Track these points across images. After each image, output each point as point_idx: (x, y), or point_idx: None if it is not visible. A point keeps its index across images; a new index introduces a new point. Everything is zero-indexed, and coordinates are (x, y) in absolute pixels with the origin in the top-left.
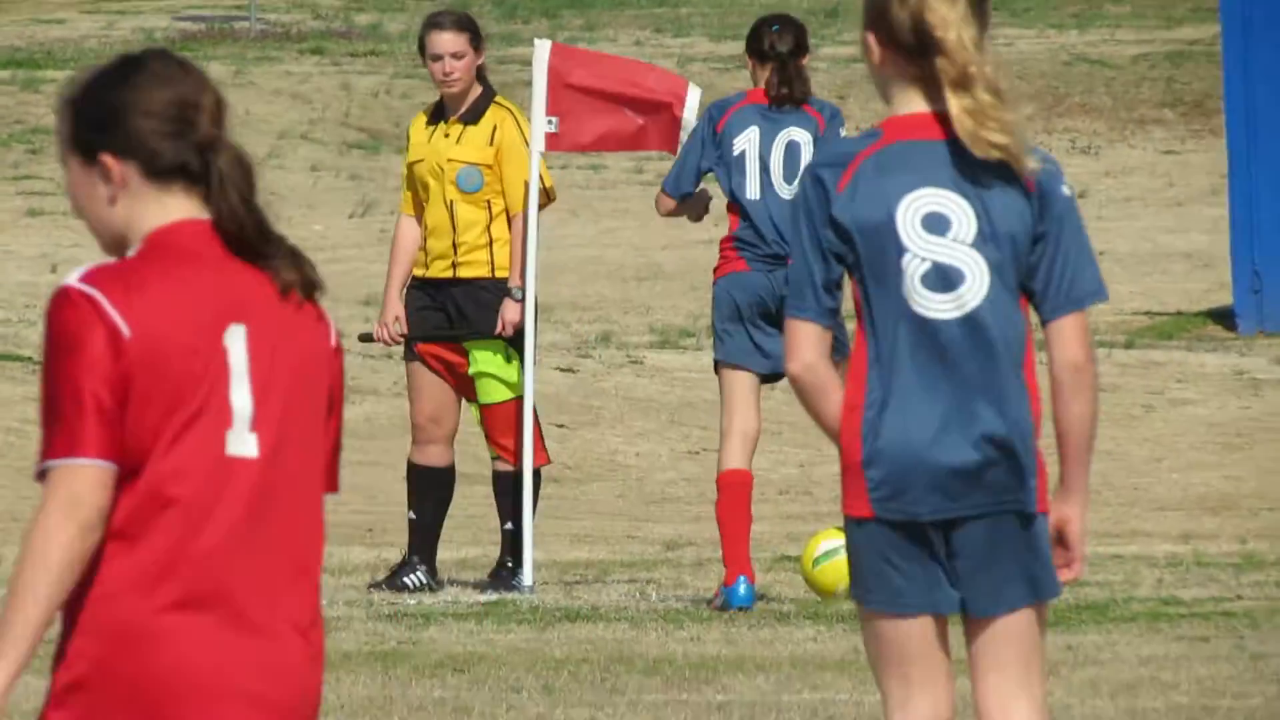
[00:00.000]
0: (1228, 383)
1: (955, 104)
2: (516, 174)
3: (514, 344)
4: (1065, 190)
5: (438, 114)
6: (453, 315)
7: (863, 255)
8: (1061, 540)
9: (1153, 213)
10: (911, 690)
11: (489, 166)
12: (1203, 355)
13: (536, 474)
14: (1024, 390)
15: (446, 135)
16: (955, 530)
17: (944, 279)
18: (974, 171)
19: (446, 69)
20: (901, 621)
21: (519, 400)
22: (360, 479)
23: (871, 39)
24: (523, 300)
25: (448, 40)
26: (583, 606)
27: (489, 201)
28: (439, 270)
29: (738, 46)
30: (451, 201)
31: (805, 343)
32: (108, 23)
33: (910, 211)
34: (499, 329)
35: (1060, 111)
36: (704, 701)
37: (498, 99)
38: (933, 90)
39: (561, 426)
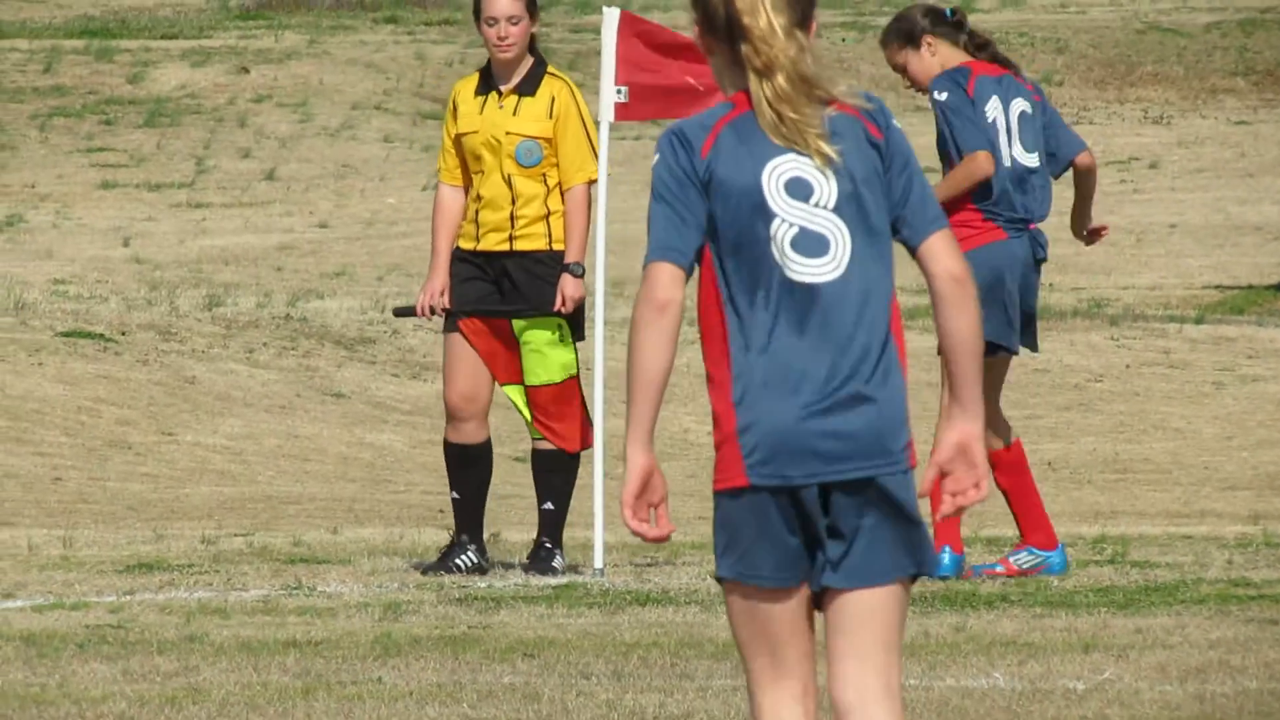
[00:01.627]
0: None
1: (757, 90)
2: (574, 147)
3: (569, 323)
4: (895, 124)
5: (487, 82)
6: (505, 289)
7: (728, 220)
8: (965, 458)
9: (1224, 184)
10: (778, 666)
11: (547, 140)
12: (1273, 330)
13: (577, 456)
14: (895, 352)
15: (501, 107)
16: (832, 496)
17: (812, 243)
18: (831, 124)
19: (502, 33)
20: (774, 595)
21: (569, 381)
22: (431, 459)
23: (696, 24)
24: (582, 275)
25: (504, 4)
26: (653, 590)
27: (545, 175)
28: (494, 243)
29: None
30: (510, 175)
31: (672, 280)
32: None
33: (774, 178)
34: (558, 304)
35: (1132, 81)
36: None
37: (550, 69)
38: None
39: None
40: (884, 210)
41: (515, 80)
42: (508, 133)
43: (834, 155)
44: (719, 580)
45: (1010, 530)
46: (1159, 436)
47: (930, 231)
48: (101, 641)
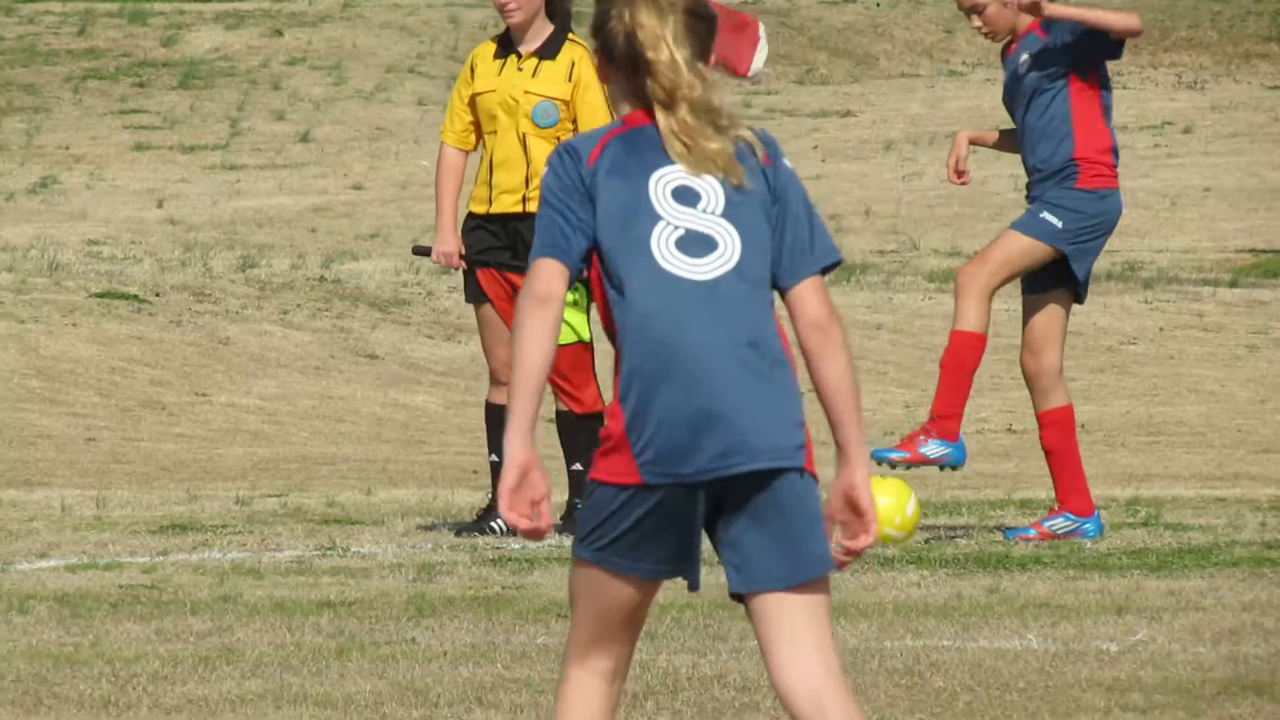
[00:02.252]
0: None
1: (663, 122)
2: (592, 112)
3: (585, 286)
4: (786, 163)
5: (506, 46)
6: (519, 251)
7: (614, 226)
8: (852, 508)
9: (1259, 148)
10: (601, 644)
11: (565, 102)
12: None
13: (595, 417)
14: (785, 352)
15: (520, 69)
16: (723, 491)
17: (698, 244)
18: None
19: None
20: (626, 582)
21: (584, 344)
22: (465, 420)
23: (596, 52)
24: None
25: None
26: None
27: (560, 138)
28: (507, 205)
29: None
30: (525, 135)
31: (555, 274)
32: None
33: (660, 185)
34: None
35: (1166, 46)
36: None
37: (571, 36)
38: (649, 103)
39: None
40: (763, 225)
41: (535, 44)
42: (526, 92)
43: (745, 180)
44: (575, 556)
45: (1046, 492)
46: (1192, 399)
47: (804, 275)
48: (135, 602)
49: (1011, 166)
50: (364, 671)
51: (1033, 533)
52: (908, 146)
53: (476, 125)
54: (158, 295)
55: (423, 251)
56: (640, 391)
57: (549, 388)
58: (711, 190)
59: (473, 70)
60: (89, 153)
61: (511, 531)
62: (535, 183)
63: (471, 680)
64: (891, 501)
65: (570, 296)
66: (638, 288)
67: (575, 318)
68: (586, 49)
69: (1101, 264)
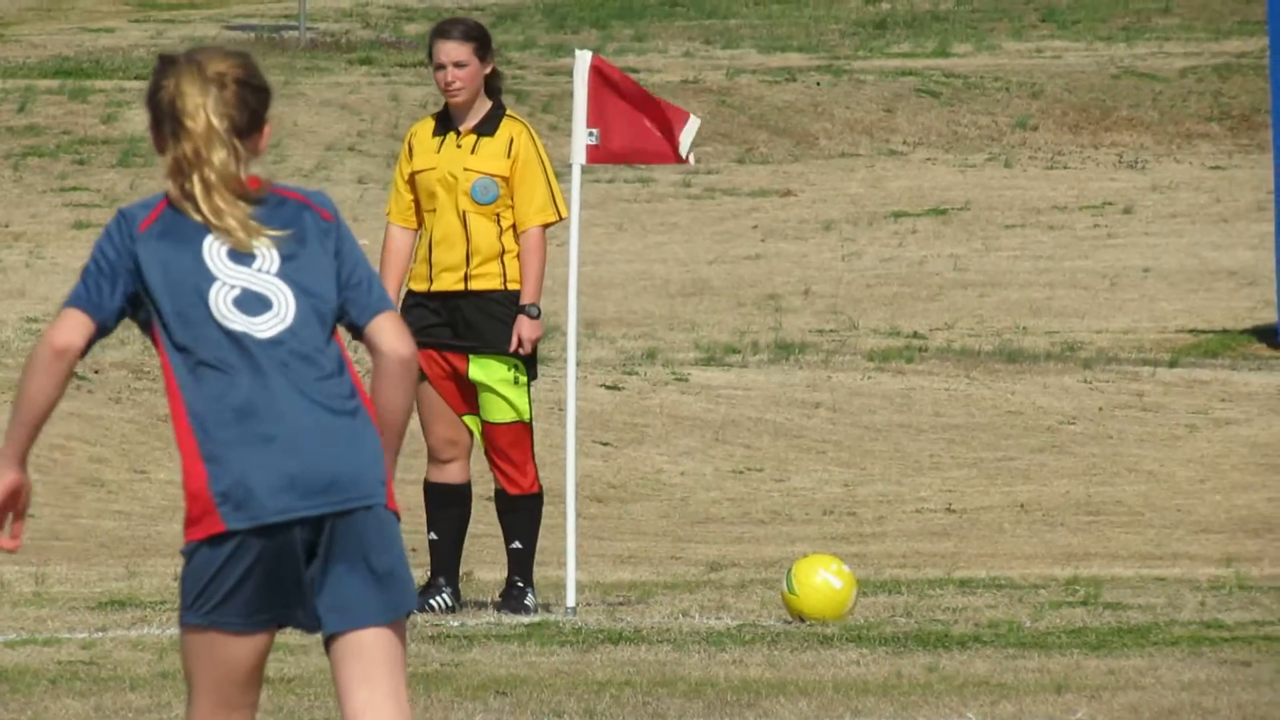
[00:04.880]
0: (1272, 402)
1: (191, 186)
2: (530, 189)
3: (525, 365)
4: (343, 220)
5: (445, 123)
6: (460, 329)
7: (170, 289)
8: None
9: (1199, 229)
10: (225, 709)
11: (504, 178)
12: (1247, 374)
13: (539, 498)
14: (359, 395)
15: (459, 146)
16: (316, 534)
17: (255, 303)
18: (274, 209)
19: (449, 78)
20: (242, 640)
21: (523, 424)
22: (404, 498)
23: (150, 122)
24: (538, 317)
25: (451, 49)
26: (625, 628)
27: (499, 214)
28: (449, 283)
29: (786, 58)
30: (465, 212)
31: (79, 327)
32: (156, 31)
33: (214, 247)
34: (513, 345)
35: (1107, 125)
36: None
37: (509, 113)
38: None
39: (606, 445)
40: (327, 279)
41: (473, 121)
42: (465, 169)
43: (268, 241)
44: (185, 625)
45: (985, 571)
46: (1132, 479)
47: (378, 312)
48: (74, 678)
49: (951, 246)
50: None
51: None
52: (848, 226)
53: (417, 203)
54: (96, 373)
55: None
56: (216, 446)
57: (488, 466)
58: (265, 250)
59: (410, 149)
60: (29, 230)
61: (449, 608)
62: (476, 260)
63: None
64: (842, 587)
65: (509, 375)
66: (199, 347)
67: (516, 396)
68: (526, 125)
69: (1040, 344)
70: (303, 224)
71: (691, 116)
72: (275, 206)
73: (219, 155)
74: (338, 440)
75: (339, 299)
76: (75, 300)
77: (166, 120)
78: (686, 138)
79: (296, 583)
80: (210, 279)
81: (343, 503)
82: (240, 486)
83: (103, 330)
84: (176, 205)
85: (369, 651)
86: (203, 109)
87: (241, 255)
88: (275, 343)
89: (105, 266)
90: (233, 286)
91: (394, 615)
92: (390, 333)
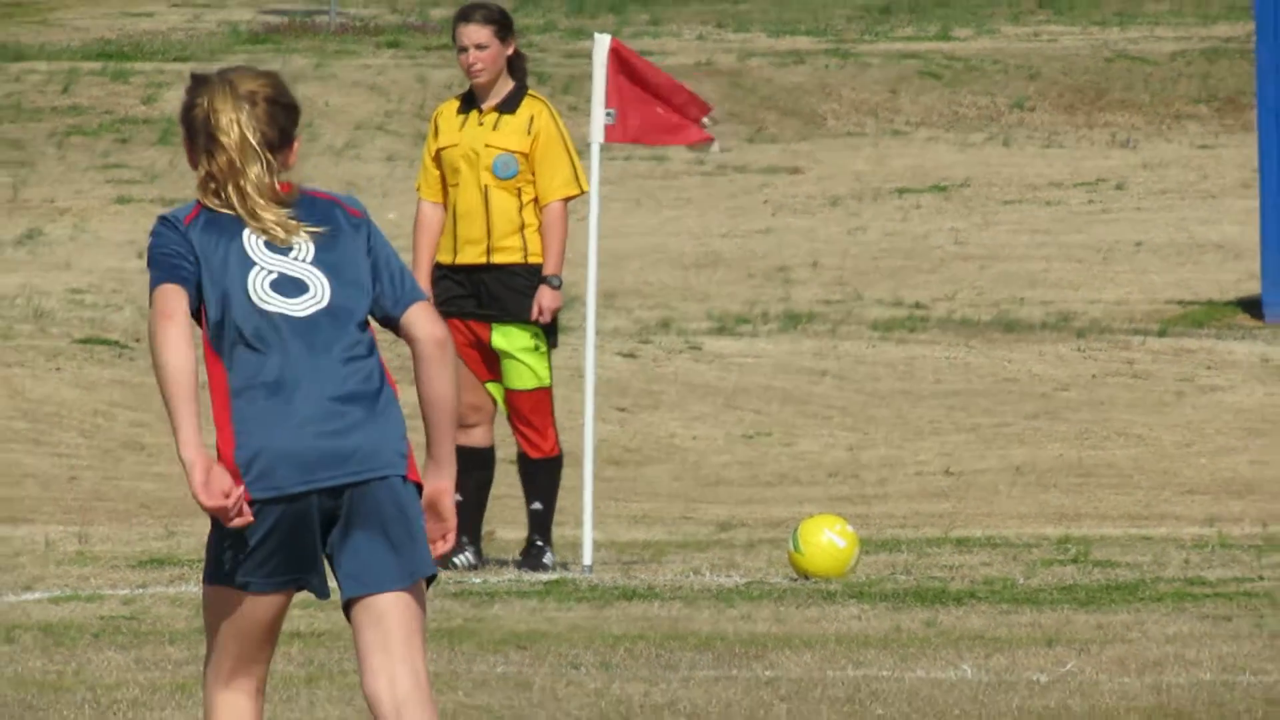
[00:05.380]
0: (1255, 370)
1: (230, 195)
2: (552, 165)
3: (545, 334)
4: (370, 217)
5: (469, 103)
6: (484, 300)
7: (211, 274)
8: (434, 512)
9: (1187, 205)
10: (243, 664)
11: (524, 154)
12: (1232, 343)
13: (559, 461)
14: (383, 372)
15: (481, 123)
16: (335, 503)
17: (291, 286)
18: (308, 209)
19: (471, 59)
20: (260, 599)
21: (544, 390)
22: None
23: (183, 136)
24: (559, 288)
25: (472, 32)
26: (639, 585)
27: (520, 189)
28: (471, 256)
29: (795, 42)
30: (486, 187)
31: (177, 295)
32: (194, 15)
33: (253, 238)
34: (535, 314)
35: (1101, 106)
36: (753, 677)
37: (531, 92)
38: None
39: (622, 410)
40: (361, 270)
41: (496, 100)
42: (486, 145)
43: (305, 235)
44: (208, 585)
45: (981, 530)
46: (1121, 443)
47: (411, 302)
48: (116, 632)
49: (952, 220)
50: (332, 699)
51: None
52: (853, 202)
53: (443, 179)
54: (138, 341)
55: None
56: (248, 417)
57: (511, 431)
58: (302, 243)
59: (437, 127)
60: (73, 205)
61: (472, 566)
62: (497, 233)
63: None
64: (846, 546)
65: (531, 343)
66: (239, 324)
67: (537, 363)
68: (546, 104)
69: (1036, 314)
70: (335, 220)
71: (712, 110)
72: (308, 207)
73: (254, 168)
74: (360, 416)
75: (373, 290)
76: (160, 279)
77: (200, 135)
78: (710, 123)
79: (313, 549)
80: (250, 264)
81: (360, 474)
82: (264, 457)
83: (194, 298)
84: (213, 210)
85: (386, 616)
86: (236, 124)
87: (278, 246)
88: (311, 323)
89: (171, 250)
90: (270, 271)
91: (409, 581)
92: (425, 319)
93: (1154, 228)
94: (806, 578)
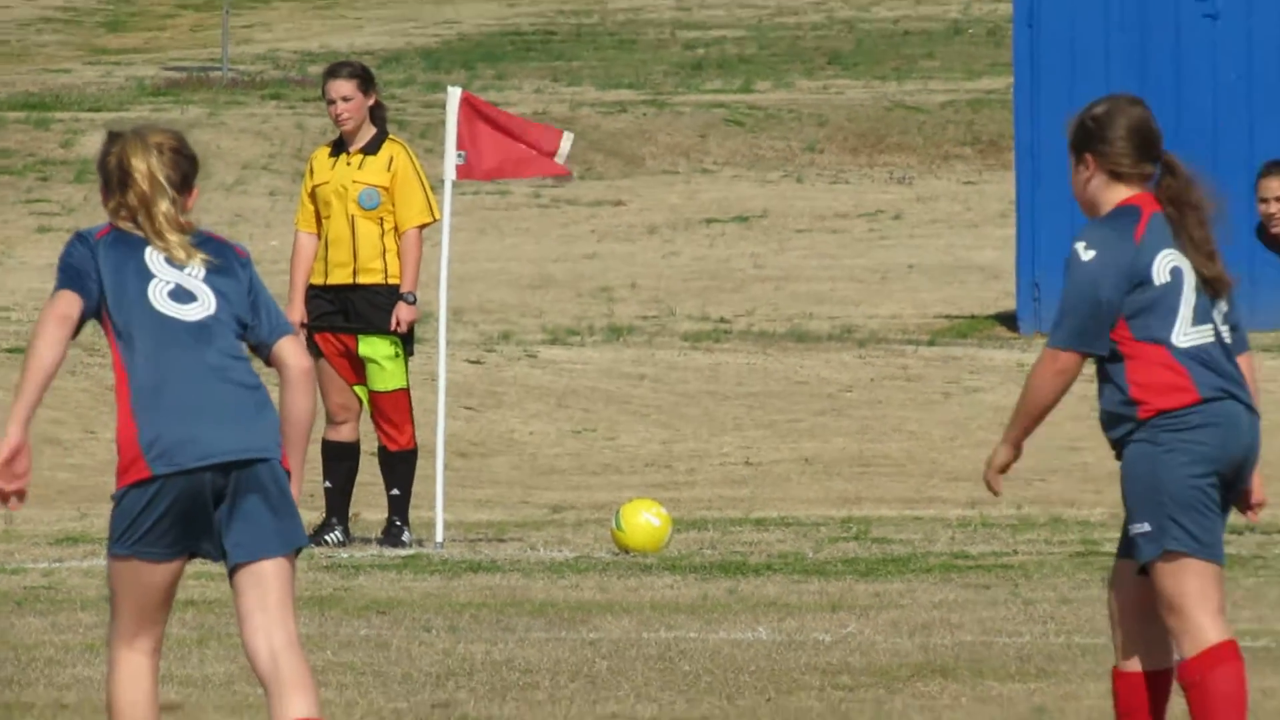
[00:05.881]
0: (1011, 374)
1: (142, 221)
2: (408, 197)
3: (403, 342)
4: (250, 263)
5: (338, 147)
6: (351, 315)
7: (117, 283)
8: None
9: (954, 232)
10: (143, 626)
11: (385, 188)
12: (991, 351)
13: (414, 453)
14: (255, 375)
15: (349, 163)
16: (224, 481)
17: (184, 295)
18: (203, 243)
19: (339, 110)
20: (159, 566)
21: (402, 392)
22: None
23: (101, 184)
24: (414, 303)
25: (339, 86)
26: (483, 560)
27: (382, 219)
28: (340, 277)
29: (619, 94)
30: (353, 217)
31: (72, 302)
32: (106, 71)
33: (154, 255)
34: (394, 326)
35: (881, 148)
36: (580, 639)
37: (391, 136)
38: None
39: (469, 409)
40: (242, 298)
41: (361, 143)
42: (353, 181)
43: (199, 259)
44: (112, 556)
45: (776, 512)
46: (897, 437)
47: (283, 334)
48: (36, 600)
49: (752, 247)
50: (220, 657)
51: None
52: (668, 230)
53: (318, 213)
54: None
55: None
56: (147, 407)
57: (374, 427)
58: (195, 265)
59: (312, 168)
60: (1, 235)
61: (341, 543)
62: (362, 257)
63: (310, 666)
64: (661, 525)
65: (391, 351)
66: (138, 326)
67: (396, 368)
68: (404, 145)
69: (823, 326)
70: (226, 256)
71: (565, 132)
72: (204, 242)
73: (163, 203)
74: (244, 406)
75: (248, 318)
76: (63, 284)
77: (115, 177)
78: (564, 148)
79: (206, 520)
80: (150, 275)
81: (247, 453)
82: (164, 440)
83: (87, 310)
84: (122, 230)
85: (266, 580)
86: (147, 164)
87: (176, 263)
88: (200, 326)
89: (78, 262)
90: (168, 282)
91: (288, 549)
92: (293, 350)
93: (925, 252)
94: (627, 552)
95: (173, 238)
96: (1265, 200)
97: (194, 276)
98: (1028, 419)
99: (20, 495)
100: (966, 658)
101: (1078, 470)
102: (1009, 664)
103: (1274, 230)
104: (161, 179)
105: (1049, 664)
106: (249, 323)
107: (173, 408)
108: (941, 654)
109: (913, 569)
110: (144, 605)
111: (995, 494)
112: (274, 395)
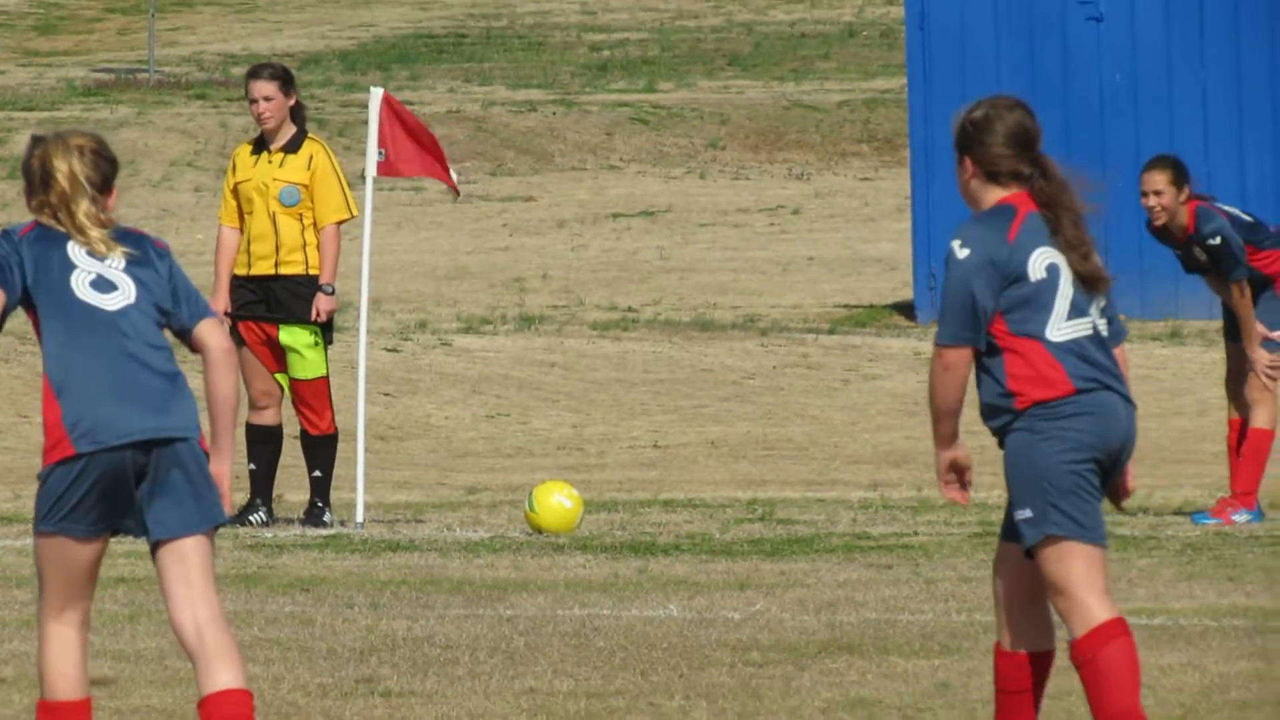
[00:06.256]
0: (909, 361)
1: (63, 219)
2: (326, 194)
3: (323, 331)
4: (169, 254)
5: (260, 145)
6: (273, 304)
7: (43, 275)
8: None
9: (852, 226)
10: (70, 600)
11: (305, 186)
12: (889, 340)
13: (334, 438)
14: (174, 361)
15: (270, 161)
16: (145, 459)
17: (105, 285)
18: (123, 237)
19: (261, 109)
20: (83, 544)
21: (322, 379)
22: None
23: (24, 186)
24: (333, 294)
25: (261, 86)
26: (403, 539)
27: (302, 214)
28: (263, 269)
29: (529, 94)
30: (274, 213)
31: None
32: (38, 73)
33: (76, 248)
34: (314, 315)
35: (780, 146)
36: (497, 615)
37: (310, 135)
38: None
39: (387, 395)
40: (163, 288)
41: (281, 142)
42: (274, 179)
43: (119, 252)
44: (39, 533)
45: (682, 494)
46: (799, 422)
47: (203, 317)
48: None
49: (658, 240)
50: (150, 633)
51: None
52: (577, 224)
53: (239, 208)
54: None
55: None
56: (71, 390)
57: (293, 411)
58: (115, 257)
59: (234, 165)
60: None
61: (265, 523)
62: (284, 250)
63: (235, 639)
64: (572, 506)
65: (311, 339)
66: (62, 315)
67: (316, 356)
68: (323, 144)
69: (727, 316)
70: (145, 248)
71: (461, 166)
72: (124, 236)
73: (83, 200)
74: (163, 390)
75: (169, 305)
76: None
77: (37, 178)
78: (458, 174)
79: (129, 498)
80: (72, 266)
81: (167, 432)
82: (86, 420)
83: (10, 302)
84: (45, 225)
85: (188, 557)
86: (68, 164)
87: (97, 255)
88: (120, 314)
89: (2, 258)
90: (89, 273)
91: (207, 526)
92: (214, 332)
93: (824, 245)
94: (540, 533)
95: (94, 233)
96: (1145, 194)
97: (114, 268)
98: (941, 417)
99: None
100: (871, 635)
101: (975, 454)
102: (913, 641)
103: (1156, 223)
104: (82, 179)
105: (951, 640)
106: (170, 309)
107: (94, 391)
108: (847, 631)
109: (817, 549)
110: (69, 580)
111: (962, 505)
112: (195, 384)
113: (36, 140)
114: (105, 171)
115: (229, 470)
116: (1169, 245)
